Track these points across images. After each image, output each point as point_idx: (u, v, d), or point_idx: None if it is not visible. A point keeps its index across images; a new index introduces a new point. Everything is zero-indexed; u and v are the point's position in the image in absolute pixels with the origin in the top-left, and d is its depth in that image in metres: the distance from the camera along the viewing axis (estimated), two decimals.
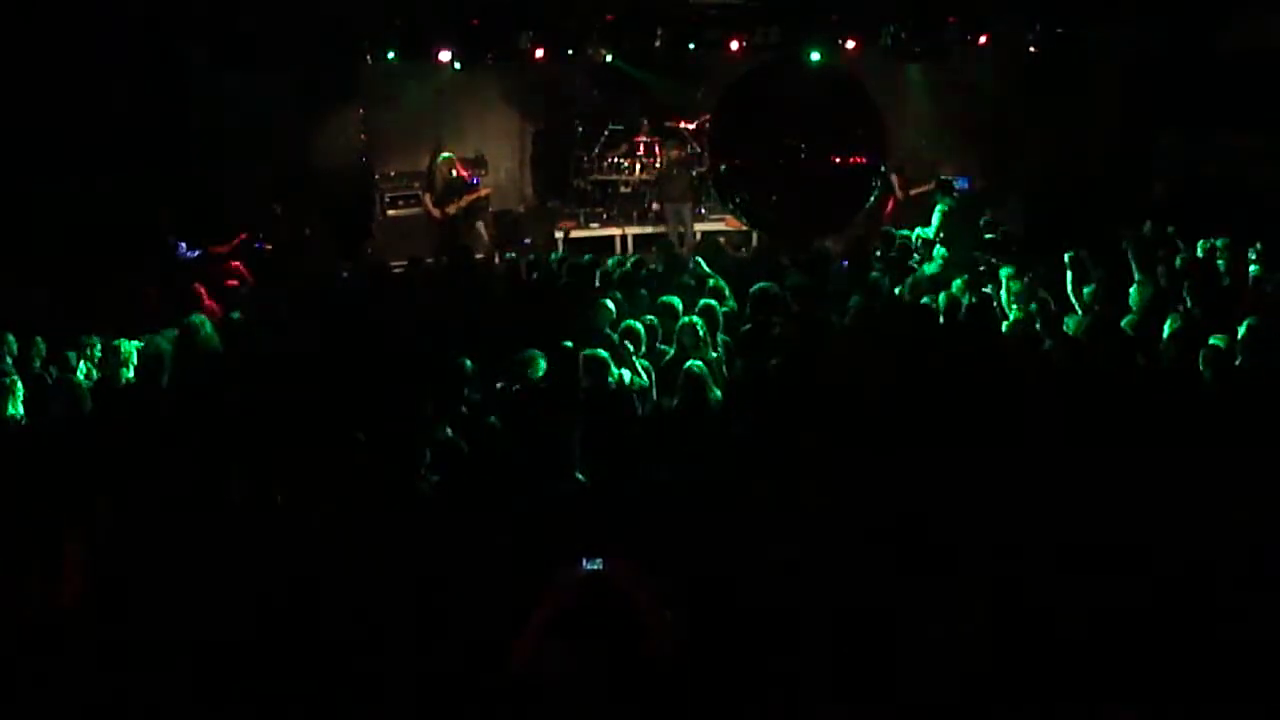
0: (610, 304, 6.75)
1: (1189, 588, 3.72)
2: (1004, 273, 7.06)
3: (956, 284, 7.39)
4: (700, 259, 8.01)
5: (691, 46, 11.77)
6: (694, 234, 11.86)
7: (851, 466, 4.67)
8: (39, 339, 6.39)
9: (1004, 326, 6.72)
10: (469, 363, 5.89)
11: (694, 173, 12.08)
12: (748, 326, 6.65)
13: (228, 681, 3.39)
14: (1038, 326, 6.46)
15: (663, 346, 6.42)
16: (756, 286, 7.05)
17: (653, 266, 8.63)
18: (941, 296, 7.24)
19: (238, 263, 8.36)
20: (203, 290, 7.84)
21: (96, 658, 3.46)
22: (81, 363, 6.34)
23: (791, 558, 3.88)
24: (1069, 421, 4.97)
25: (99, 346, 6.36)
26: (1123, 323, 6.39)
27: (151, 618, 3.62)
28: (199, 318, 6.82)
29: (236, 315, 7.37)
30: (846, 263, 8.62)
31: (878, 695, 3.15)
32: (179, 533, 4.25)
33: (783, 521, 4.16)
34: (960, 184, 12.08)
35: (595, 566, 2.98)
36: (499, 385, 5.88)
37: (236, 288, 8.07)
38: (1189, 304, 6.57)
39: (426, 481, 4.71)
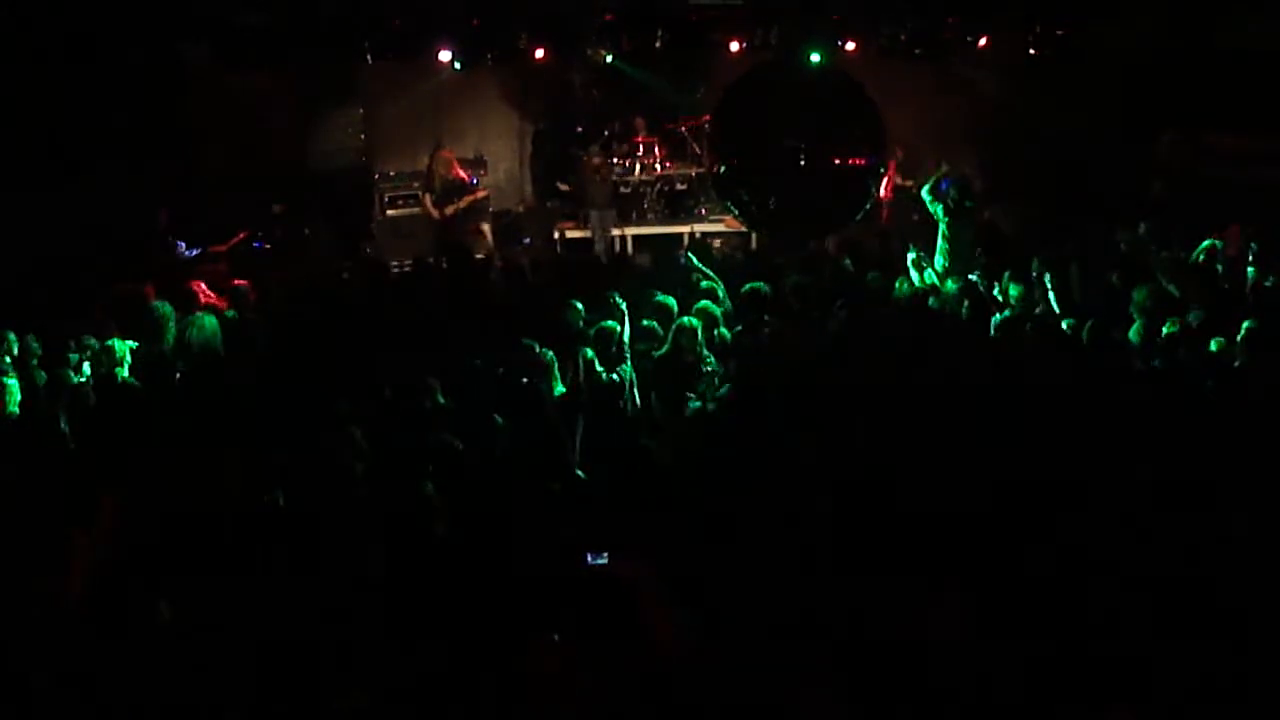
0: (579, 304, 6.75)
1: (1189, 589, 3.73)
2: (1013, 291, 7.04)
3: (950, 285, 7.40)
4: (694, 257, 8.01)
5: (691, 47, 11.80)
6: (613, 239, 11.95)
7: (850, 467, 4.68)
8: (31, 338, 6.38)
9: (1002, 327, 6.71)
10: (465, 363, 5.91)
11: (613, 179, 12.13)
12: (739, 328, 6.65)
13: (227, 679, 3.39)
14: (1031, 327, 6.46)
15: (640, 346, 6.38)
16: (748, 286, 7.05)
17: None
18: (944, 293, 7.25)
19: (208, 280, 8.31)
20: (199, 288, 7.84)
21: (102, 653, 3.47)
22: (85, 364, 6.34)
23: (794, 558, 3.89)
24: (1068, 423, 4.98)
25: (95, 346, 6.37)
26: (1131, 330, 6.38)
27: (155, 613, 3.62)
28: (205, 316, 6.83)
29: (232, 314, 7.37)
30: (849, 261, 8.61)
31: (881, 696, 3.16)
32: (182, 530, 4.26)
33: (784, 521, 4.16)
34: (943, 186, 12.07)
35: (602, 560, 2.99)
36: (501, 374, 5.89)
37: (242, 287, 8.05)
38: (1189, 306, 6.56)
39: (425, 481, 4.71)
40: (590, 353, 5.86)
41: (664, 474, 4.82)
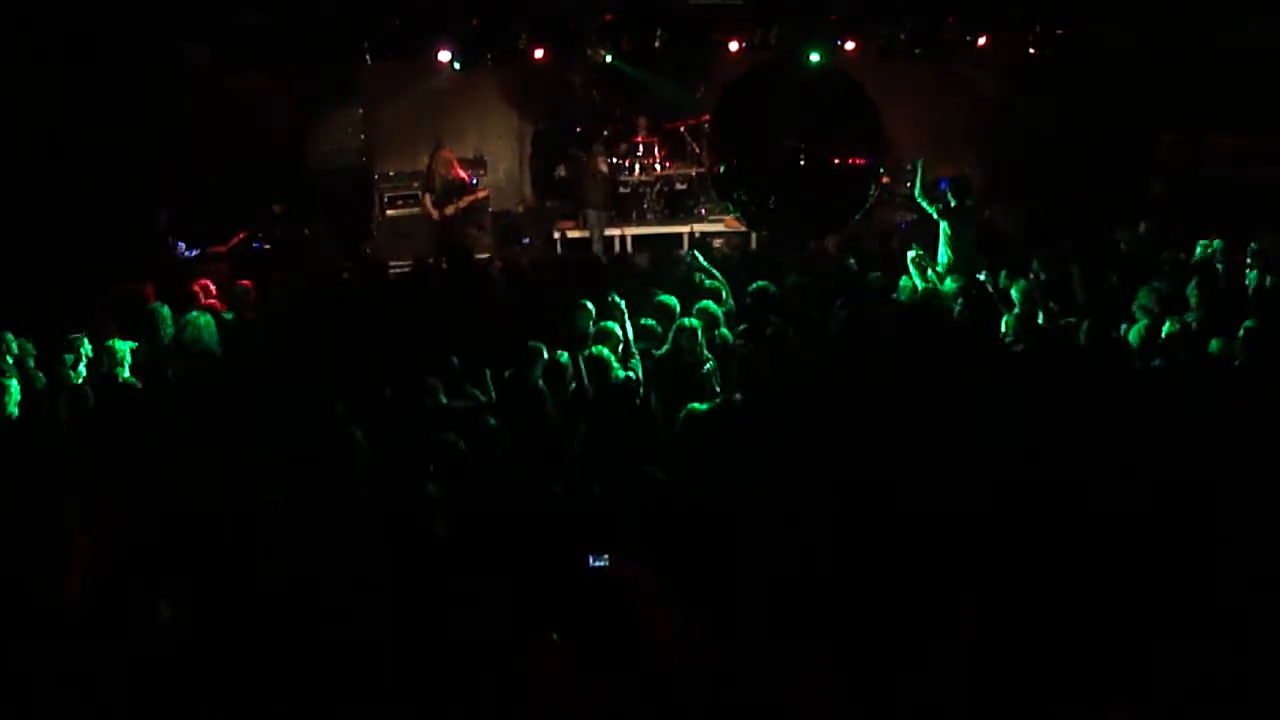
0: (590, 305, 6.74)
1: (1189, 589, 3.73)
2: (1016, 289, 7.04)
3: (949, 284, 7.40)
4: (699, 256, 8.02)
5: (691, 47, 11.82)
6: (611, 239, 11.99)
7: (851, 467, 4.68)
8: (19, 340, 6.35)
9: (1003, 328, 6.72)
10: (465, 363, 5.91)
11: (606, 176, 12.17)
12: (744, 326, 6.65)
13: (227, 678, 3.39)
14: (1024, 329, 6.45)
15: (640, 345, 6.37)
16: (755, 286, 7.05)
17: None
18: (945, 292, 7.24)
19: (209, 280, 8.30)
20: (200, 288, 7.85)
21: (102, 653, 3.47)
22: (80, 365, 6.33)
23: (794, 558, 3.89)
24: (1068, 423, 4.98)
25: (89, 346, 6.37)
26: (1132, 331, 6.37)
27: (155, 613, 3.62)
28: (201, 315, 6.84)
29: (229, 315, 7.36)
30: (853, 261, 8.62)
31: (882, 696, 3.16)
32: (182, 530, 4.27)
33: (784, 521, 4.16)
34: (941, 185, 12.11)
35: (602, 563, 2.99)
36: (505, 375, 5.88)
37: (244, 287, 8.06)
38: (1190, 306, 6.56)
39: (426, 481, 4.71)
40: (605, 350, 5.86)
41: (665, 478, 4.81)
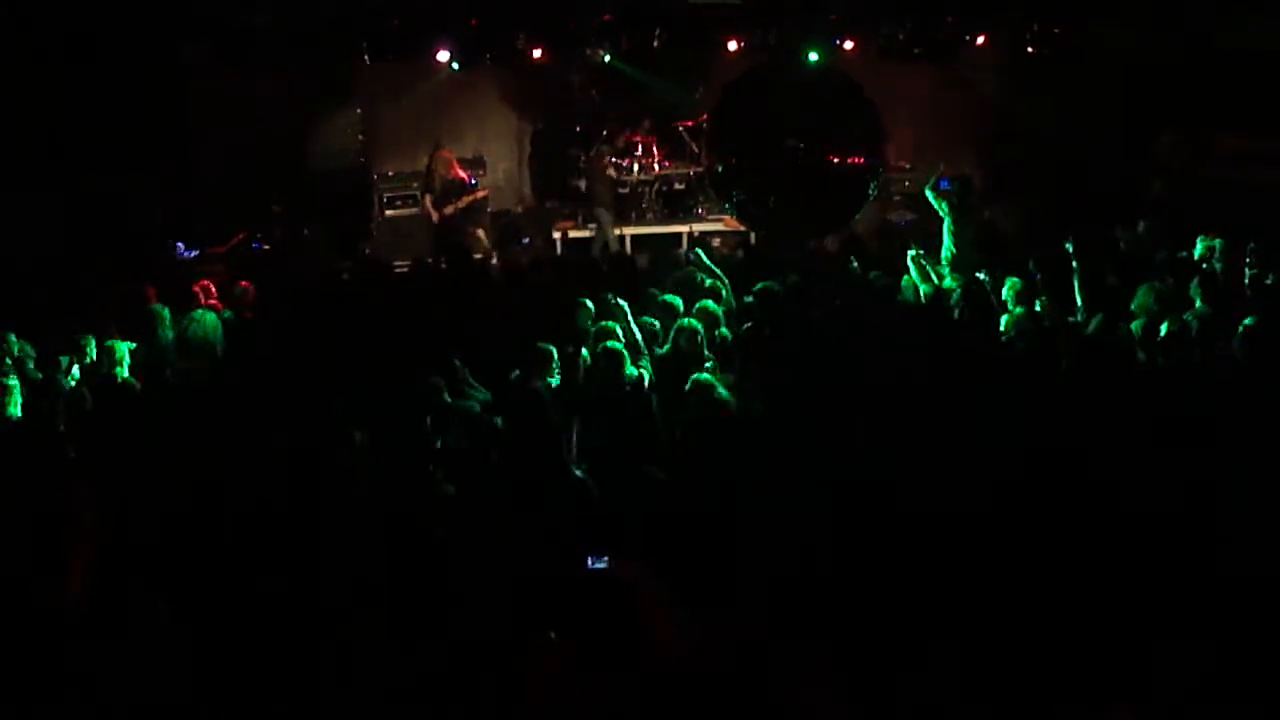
0: (590, 303, 6.74)
1: (1189, 588, 3.73)
2: (1010, 284, 7.04)
3: (948, 283, 7.40)
4: (702, 254, 8.03)
5: (690, 47, 11.83)
6: (614, 238, 11.94)
7: (851, 467, 4.68)
8: (17, 340, 6.34)
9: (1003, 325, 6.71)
10: (465, 363, 5.91)
11: (618, 180, 12.18)
12: (748, 326, 6.64)
13: (227, 679, 3.39)
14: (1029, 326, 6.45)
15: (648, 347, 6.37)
16: (760, 285, 7.04)
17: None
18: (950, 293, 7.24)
19: (209, 280, 8.28)
20: (201, 289, 7.84)
21: (102, 653, 3.47)
22: (75, 368, 6.33)
23: (794, 558, 3.89)
24: (1068, 422, 4.98)
25: (93, 346, 6.36)
26: (1134, 324, 6.38)
27: (155, 613, 3.62)
28: (206, 313, 6.84)
29: (229, 314, 7.36)
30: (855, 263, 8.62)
31: (882, 696, 3.16)
32: (182, 530, 4.27)
33: (786, 524, 4.16)
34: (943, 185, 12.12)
35: (601, 565, 2.99)
36: (512, 376, 5.89)
37: (244, 288, 8.05)
38: (1191, 304, 6.56)
39: (441, 483, 4.70)
40: (617, 344, 5.86)
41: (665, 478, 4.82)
